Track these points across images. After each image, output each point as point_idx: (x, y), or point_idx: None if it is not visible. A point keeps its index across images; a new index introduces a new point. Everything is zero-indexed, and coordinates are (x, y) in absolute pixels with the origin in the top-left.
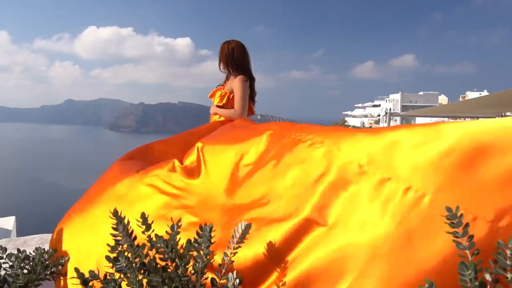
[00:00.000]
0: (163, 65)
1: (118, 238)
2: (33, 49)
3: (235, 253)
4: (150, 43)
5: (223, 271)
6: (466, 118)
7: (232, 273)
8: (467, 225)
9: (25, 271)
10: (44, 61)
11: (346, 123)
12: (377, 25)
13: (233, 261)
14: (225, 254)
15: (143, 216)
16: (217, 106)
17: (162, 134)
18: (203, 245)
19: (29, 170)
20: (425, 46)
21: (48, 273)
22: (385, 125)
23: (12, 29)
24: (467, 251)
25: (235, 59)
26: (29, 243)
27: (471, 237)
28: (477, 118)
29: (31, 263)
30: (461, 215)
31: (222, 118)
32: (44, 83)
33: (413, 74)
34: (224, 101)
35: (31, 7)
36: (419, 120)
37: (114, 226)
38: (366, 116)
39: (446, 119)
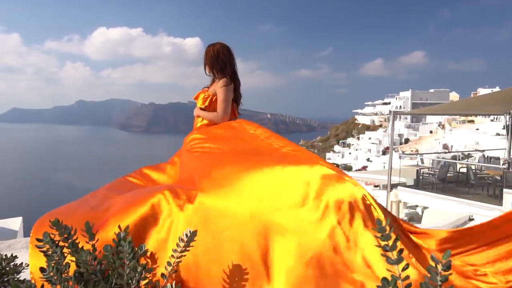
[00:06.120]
0: (172, 65)
1: (44, 249)
2: (44, 50)
3: (178, 262)
4: (159, 43)
5: (165, 281)
6: (477, 116)
7: (172, 284)
8: (397, 238)
9: None
10: (55, 62)
11: (356, 121)
12: (385, 23)
13: (176, 271)
14: (168, 263)
15: (87, 225)
16: (200, 108)
17: (174, 134)
18: (124, 259)
19: (41, 170)
20: (434, 43)
21: (4, 280)
22: (390, 124)
23: (23, 31)
24: (396, 266)
25: (220, 62)
26: (14, 247)
27: (401, 251)
28: (488, 115)
29: None
30: (391, 227)
31: (205, 121)
32: (55, 84)
33: (422, 71)
34: (206, 104)
35: (41, 8)
36: (429, 119)
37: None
38: (376, 114)
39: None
